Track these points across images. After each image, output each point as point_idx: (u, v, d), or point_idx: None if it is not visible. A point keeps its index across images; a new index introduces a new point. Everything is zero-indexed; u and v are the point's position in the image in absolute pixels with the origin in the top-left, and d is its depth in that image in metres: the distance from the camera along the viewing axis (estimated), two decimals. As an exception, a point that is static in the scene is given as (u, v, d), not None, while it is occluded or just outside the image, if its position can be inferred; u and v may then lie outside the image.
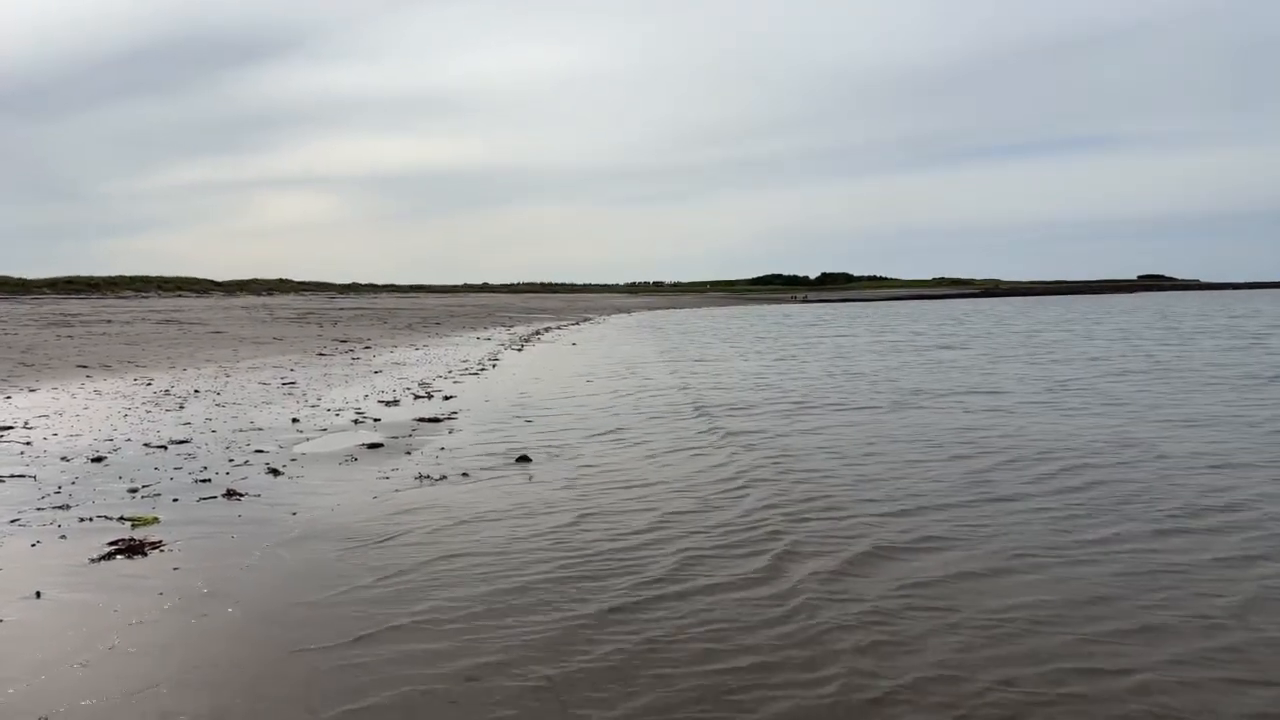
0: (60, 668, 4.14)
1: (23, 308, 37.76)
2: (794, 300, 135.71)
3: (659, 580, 5.28)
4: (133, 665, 4.18)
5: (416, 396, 14.43)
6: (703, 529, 6.37)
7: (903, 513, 6.72)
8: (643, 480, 8.07)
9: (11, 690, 3.91)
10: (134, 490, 7.66)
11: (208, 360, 21.44)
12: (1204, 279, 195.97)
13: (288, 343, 28.17)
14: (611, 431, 10.98)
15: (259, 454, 9.36)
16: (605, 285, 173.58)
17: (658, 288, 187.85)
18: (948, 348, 25.82)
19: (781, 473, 8.20)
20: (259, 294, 69.26)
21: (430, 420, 11.81)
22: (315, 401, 13.69)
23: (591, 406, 13.44)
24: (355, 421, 11.71)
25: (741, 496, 7.34)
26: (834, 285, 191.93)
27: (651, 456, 9.25)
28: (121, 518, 6.72)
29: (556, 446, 9.91)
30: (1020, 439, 9.79)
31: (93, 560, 5.71)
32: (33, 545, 6.05)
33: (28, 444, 9.80)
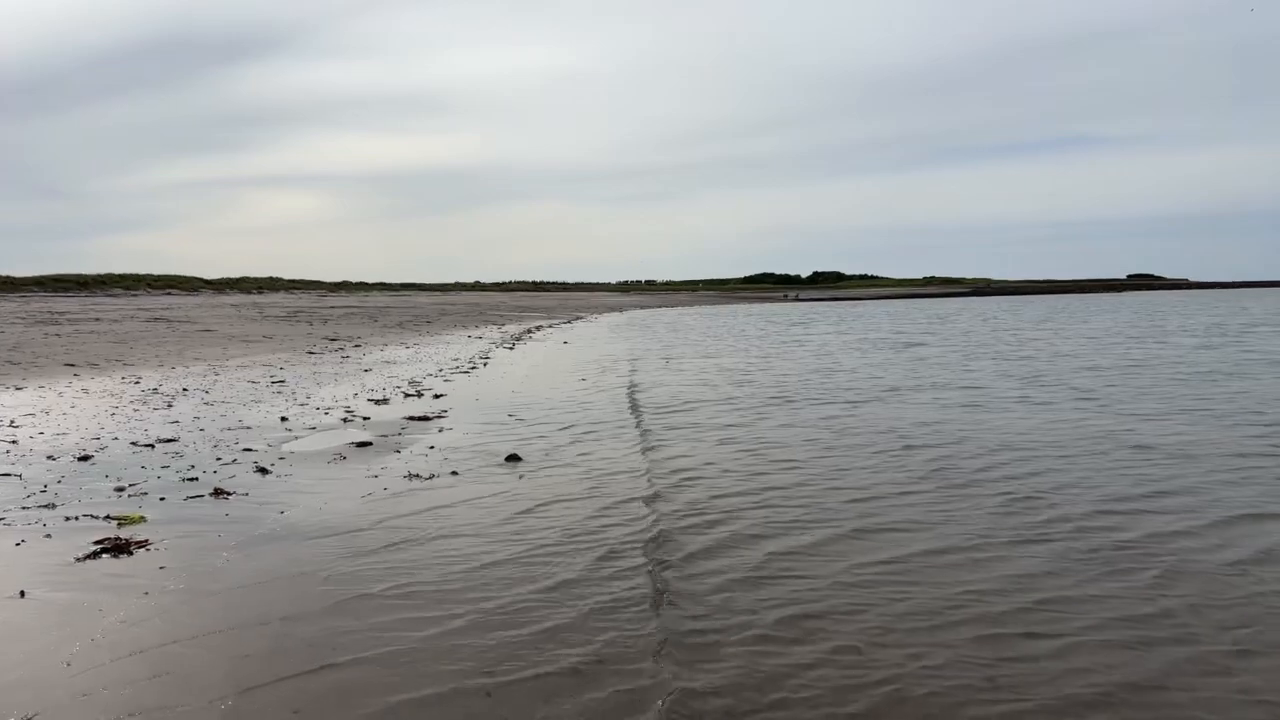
0: (44, 667, 4.11)
1: (10, 305, 37.50)
2: (784, 299, 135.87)
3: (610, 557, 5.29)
4: (118, 664, 4.15)
5: (406, 395, 14.39)
6: (667, 513, 6.39)
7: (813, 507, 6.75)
8: (632, 472, 8.07)
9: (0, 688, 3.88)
10: (121, 489, 7.62)
11: (197, 358, 21.33)
12: (1193, 278, 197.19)
13: (277, 341, 28.06)
14: (601, 429, 10.97)
15: (247, 453, 9.31)
16: (597, 284, 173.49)
17: (650, 286, 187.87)
18: (919, 344, 26.16)
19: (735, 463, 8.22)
20: (249, 292, 68.96)
21: (420, 419, 11.78)
22: (304, 400, 13.64)
23: (583, 405, 13.43)
24: (345, 420, 11.67)
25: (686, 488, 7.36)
26: (825, 284, 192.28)
27: (646, 451, 9.24)
28: (108, 516, 6.68)
29: (547, 445, 9.89)
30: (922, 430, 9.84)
31: (78, 559, 5.67)
32: (17, 544, 6.01)
33: (13, 443, 9.73)
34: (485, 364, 21.19)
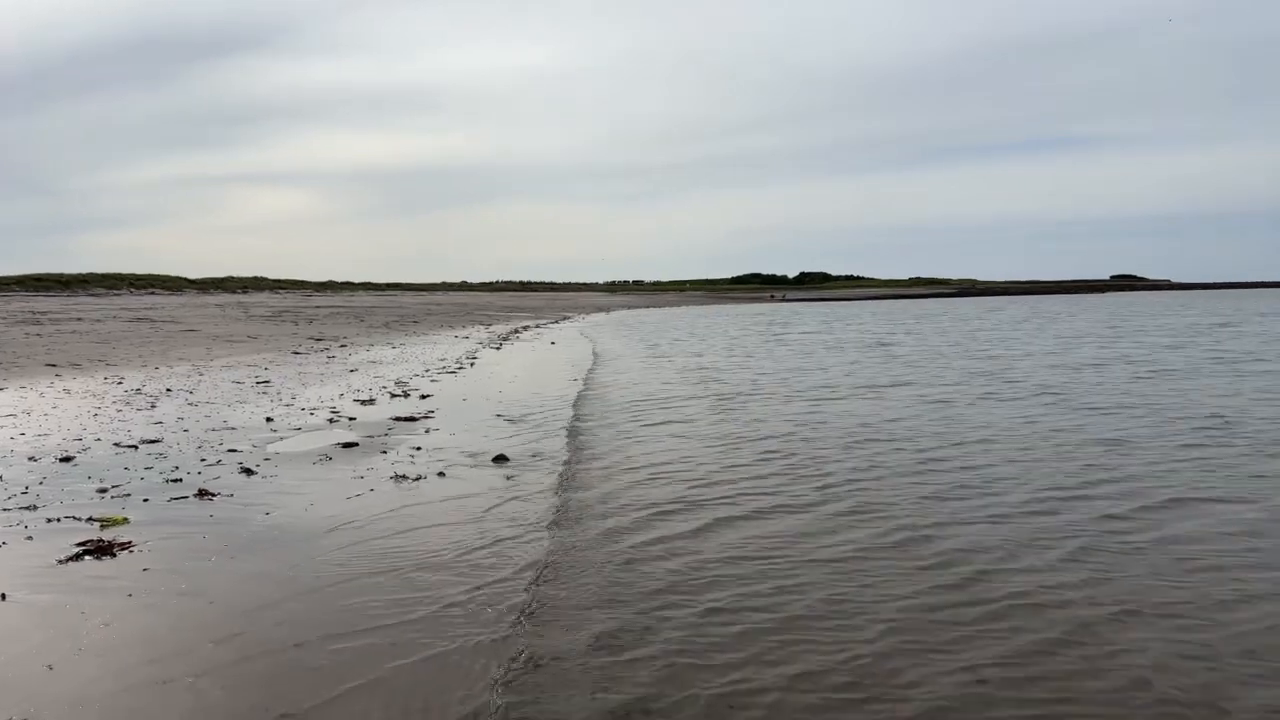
0: (27, 669, 4.07)
1: (-10, 305, 37.05)
2: (770, 299, 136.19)
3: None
4: (102, 667, 4.12)
5: (393, 395, 14.33)
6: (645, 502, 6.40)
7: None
8: (622, 468, 8.07)
9: (-25, 694, 3.84)
10: (103, 490, 7.55)
11: (180, 359, 21.17)
12: (1176, 279, 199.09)
13: (262, 341, 27.88)
14: (594, 428, 10.97)
15: (232, 453, 9.25)
16: (585, 284, 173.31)
17: (637, 286, 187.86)
18: (887, 344, 26.37)
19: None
20: (234, 292, 68.46)
21: (407, 419, 11.73)
22: (290, 400, 13.56)
23: (570, 405, 13.41)
24: (330, 420, 11.61)
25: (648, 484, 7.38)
26: (812, 285, 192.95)
27: (641, 445, 9.25)
28: (90, 518, 6.62)
29: (534, 446, 9.88)
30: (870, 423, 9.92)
31: (60, 561, 5.61)
32: (-2, 546, 5.94)
33: (-6, 444, 9.62)
34: (472, 364, 21.13)
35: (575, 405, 13.41)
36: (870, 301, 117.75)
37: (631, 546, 5.97)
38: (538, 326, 46.92)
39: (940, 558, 5.62)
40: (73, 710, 3.72)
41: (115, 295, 54.46)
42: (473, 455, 9.24)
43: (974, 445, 9.47)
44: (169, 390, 14.75)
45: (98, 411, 12.16)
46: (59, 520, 6.57)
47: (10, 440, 9.84)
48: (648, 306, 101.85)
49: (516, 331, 40.13)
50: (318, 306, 52.28)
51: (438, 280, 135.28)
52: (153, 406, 12.73)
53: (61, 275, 60.78)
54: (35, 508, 6.94)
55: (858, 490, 7.46)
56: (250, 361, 20.86)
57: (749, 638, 4.45)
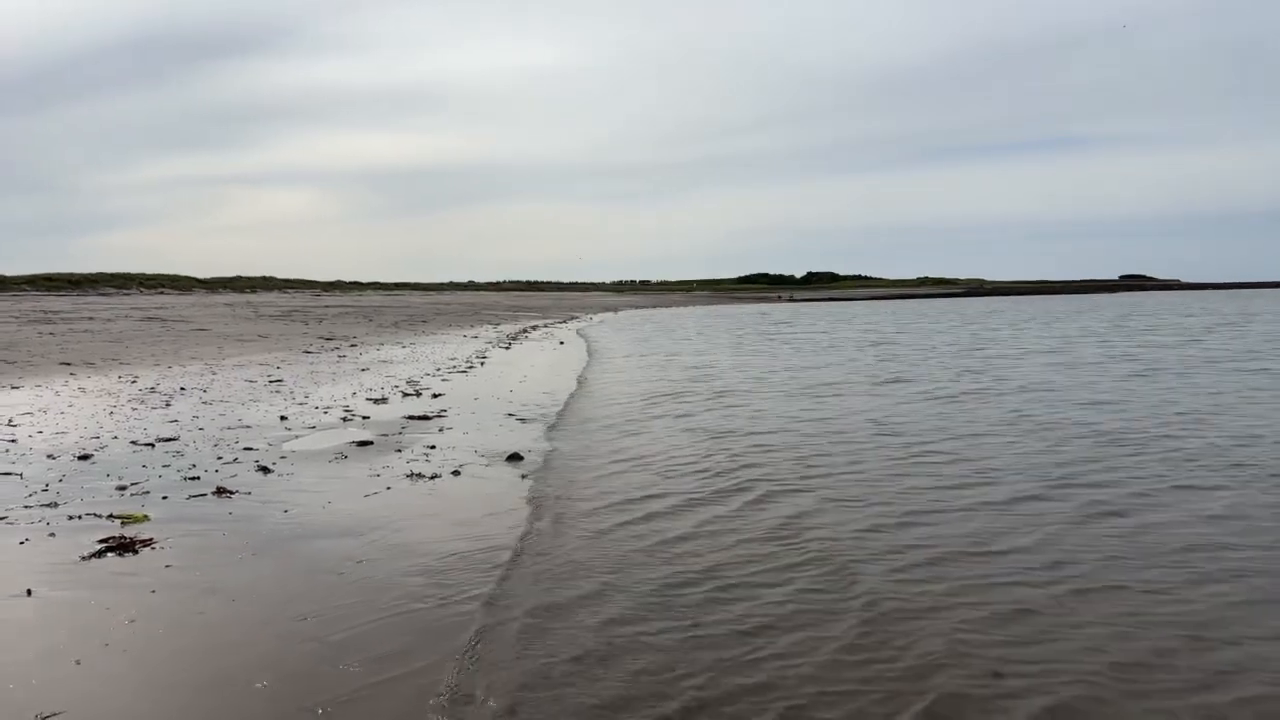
0: (55, 665, 4.11)
1: (2, 304, 37.31)
2: (778, 299, 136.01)
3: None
4: (129, 663, 4.15)
5: (405, 394, 14.38)
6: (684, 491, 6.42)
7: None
8: (632, 468, 8.08)
9: (11, 686, 3.88)
10: (123, 488, 7.60)
11: (193, 358, 21.26)
12: (1185, 279, 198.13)
13: (273, 340, 27.99)
14: (605, 427, 10.99)
15: (248, 452, 9.30)
16: (591, 284, 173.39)
17: (644, 286, 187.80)
18: (890, 343, 26.52)
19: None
20: (242, 291, 68.76)
21: (420, 418, 11.77)
22: (303, 399, 13.61)
23: (583, 404, 13.44)
24: (344, 419, 11.66)
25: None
26: (819, 284, 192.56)
27: (653, 443, 9.27)
28: (111, 515, 6.66)
29: (548, 445, 9.90)
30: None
31: (83, 558, 5.66)
32: (21, 543, 5.99)
33: (12, 441, 9.69)
34: (482, 364, 21.17)
35: (587, 405, 13.43)
36: (878, 301, 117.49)
37: (653, 544, 5.98)
38: (546, 326, 46.96)
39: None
40: (103, 705, 3.76)
41: (125, 295, 54.76)
42: (486, 454, 9.27)
43: (960, 440, 9.46)
44: (183, 389, 14.82)
45: (113, 410, 12.23)
46: (80, 517, 6.62)
47: (29, 438, 9.91)
48: (654, 306, 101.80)
49: (525, 331, 40.17)
50: (326, 306, 52.45)
51: (444, 280, 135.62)
52: (167, 405, 12.80)
53: (72, 275, 61.16)
54: (56, 505, 6.99)
55: (844, 478, 7.47)
56: (262, 360, 20.94)
57: (717, 604, 4.47)
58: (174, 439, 9.99)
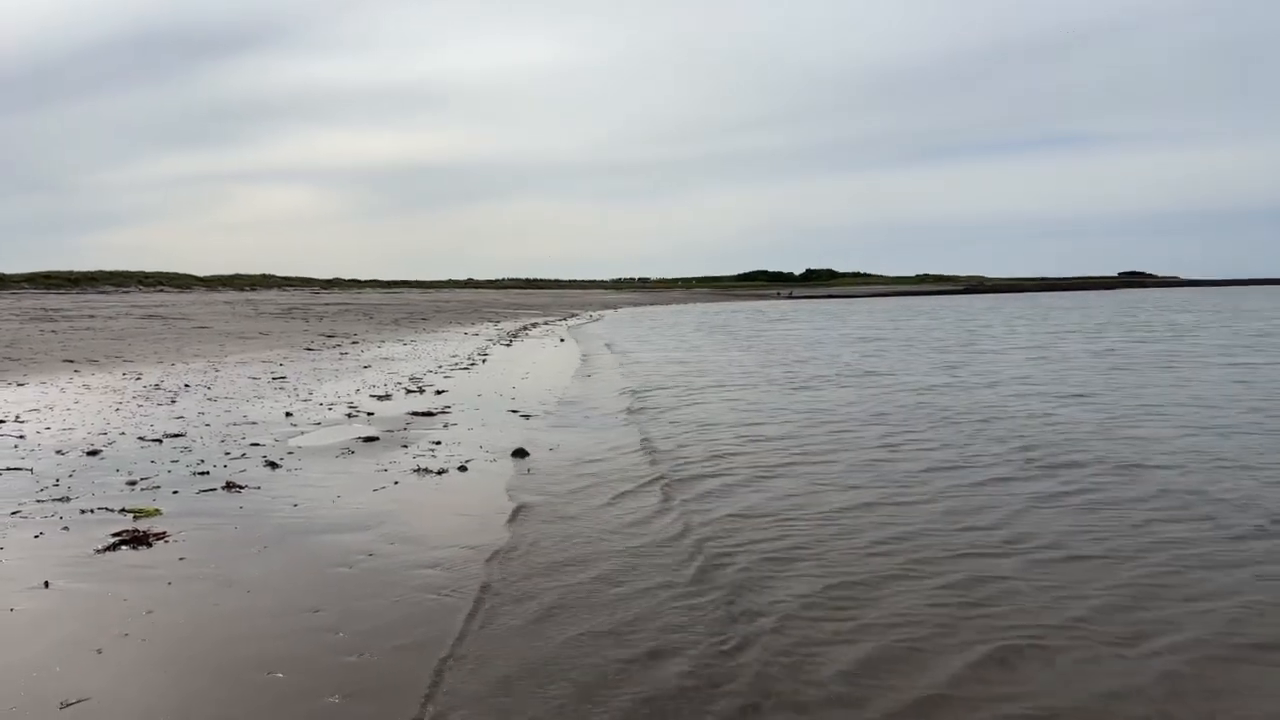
0: (77, 655, 4.19)
1: (2, 303, 37.35)
2: (778, 297, 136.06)
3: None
4: (149, 652, 4.23)
5: (408, 391, 14.46)
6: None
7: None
8: (635, 469, 8.17)
9: (35, 674, 3.96)
10: (133, 483, 7.68)
11: (195, 355, 21.33)
12: (1184, 276, 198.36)
13: (274, 338, 28.05)
14: (604, 424, 11.07)
15: (255, 447, 9.38)
16: (591, 281, 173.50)
17: (644, 284, 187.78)
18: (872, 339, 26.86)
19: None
20: (242, 289, 68.73)
21: (424, 414, 11.85)
22: (307, 396, 13.69)
23: (585, 400, 13.52)
24: (348, 415, 11.74)
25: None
26: (818, 281, 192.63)
27: (648, 435, 9.35)
28: (123, 509, 6.74)
29: (552, 439, 9.99)
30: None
31: (98, 551, 5.74)
32: (35, 536, 6.07)
33: (21, 437, 9.77)
34: (484, 360, 21.25)
35: (588, 401, 13.51)
36: (877, 299, 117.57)
37: (659, 539, 6.07)
38: (546, 323, 47.02)
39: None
40: (126, 692, 3.84)
41: (125, 293, 54.76)
42: (492, 450, 9.35)
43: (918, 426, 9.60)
44: (187, 386, 14.90)
45: (119, 406, 12.30)
46: (92, 511, 6.70)
47: (37, 434, 9.98)
48: (653, 304, 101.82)
49: (525, 329, 40.24)
50: (326, 303, 52.48)
51: (444, 277, 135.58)
52: (173, 401, 12.87)
53: (71, 273, 61.13)
54: (68, 499, 7.07)
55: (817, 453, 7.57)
56: (264, 358, 21.02)
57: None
58: (181, 435, 10.07)
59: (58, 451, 9.01)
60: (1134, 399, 12.64)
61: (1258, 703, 3.73)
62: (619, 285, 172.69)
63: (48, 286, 54.06)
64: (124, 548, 5.82)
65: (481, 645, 4.36)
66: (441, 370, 18.36)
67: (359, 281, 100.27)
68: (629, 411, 12.31)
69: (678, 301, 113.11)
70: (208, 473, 8.10)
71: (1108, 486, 7.27)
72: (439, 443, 9.74)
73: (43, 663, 4.09)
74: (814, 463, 8.51)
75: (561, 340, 31.60)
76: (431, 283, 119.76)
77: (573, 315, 62.21)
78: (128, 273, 66.68)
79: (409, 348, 25.74)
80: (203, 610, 4.77)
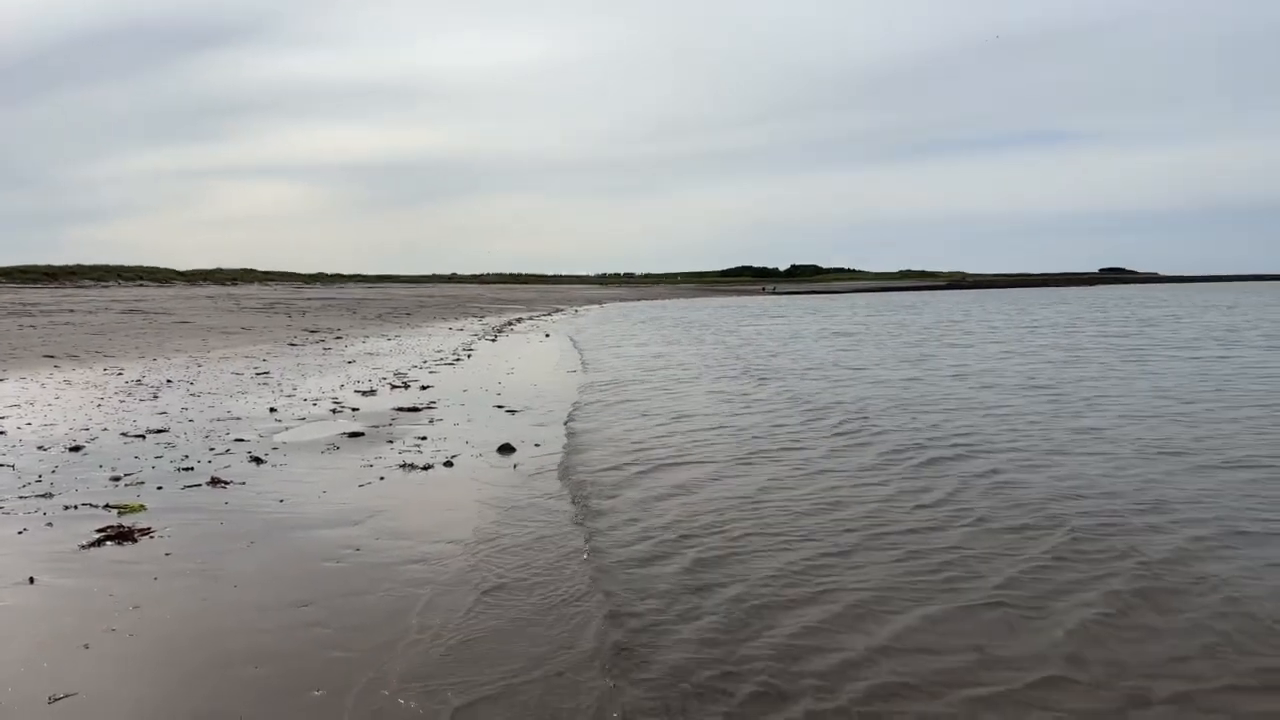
0: (64, 650, 4.19)
1: (-20, 297, 36.83)
2: (763, 292, 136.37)
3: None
4: (137, 647, 4.25)
5: (393, 386, 14.43)
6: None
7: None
8: (617, 466, 8.22)
9: (23, 669, 3.97)
10: (116, 479, 7.65)
11: (177, 350, 21.18)
12: (1163, 272, 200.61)
13: (257, 333, 27.87)
14: (589, 417, 11.11)
15: (239, 443, 9.35)
16: (576, 276, 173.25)
17: (629, 279, 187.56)
18: (849, 334, 27.44)
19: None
20: (223, 284, 68.14)
21: (409, 410, 11.84)
22: (291, 391, 13.64)
23: (573, 398, 13.55)
24: (333, 411, 11.71)
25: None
26: (803, 277, 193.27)
27: (631, 430, 9.40)
28: (107, 505, 6.72)
29: (537, 434, 10.02)
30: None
31: (82, 547, 5.73)
32: (19, 532, 6.05)
33: (1, 433, 9.69)
34: (469, 356, 21.22)
35: (573, 396, 13.54)
36: (858, 294, 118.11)
37: (654, 538, 6.13)
38: (531, 319, 46.94)
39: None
40: (114, 687, 3.85)
41: (104, 287, 54.14)
42: (478, 445, 9.37)
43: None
44: (169, 381, 14.80)
45: (101, 402, 12.22)
46: (76, 507, 6.67)
47: (18, 430, 9.91)
48: (639, 299, 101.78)
49: (510, 324, 40.16)
50: (309, 298, 52.14)
51: (427, 272, 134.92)
52: (155, 397, 12.80)
53: (49, 267, 60.39)
54: (51, 495, 7.04)
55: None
56: (247, 353, 20.90)
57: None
58: (164, 430, 10.03)
59: (40, 447, 8.95)
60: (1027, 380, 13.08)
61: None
62: (605, 281, 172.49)
63: (25, 281, 53.36)
64: (109, 543, 5.82)
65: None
66: (426, 365, 18.32)
67: (342, 276, 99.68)
68: (607, 405, 12.35)
69: (663, 297, 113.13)
70: (192, 468, 8.08)
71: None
72: (425, 438, 9.75)
73: (30, 658, 4.10)
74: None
75: (547, 335, 31.58)
76: (415, 277, 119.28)
77: (558, 310, 62.12)
78: (107, 267, 65.95)
79: (393, 343, 25.66)
80: (190, 605, 4.78)
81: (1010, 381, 14.55)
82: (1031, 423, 10.33)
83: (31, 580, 5.12)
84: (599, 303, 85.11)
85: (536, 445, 9.40)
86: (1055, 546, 5.62)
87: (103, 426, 10.21)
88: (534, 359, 21.03)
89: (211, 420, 10.79)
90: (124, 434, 9.76)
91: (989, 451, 8.67)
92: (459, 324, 38.53)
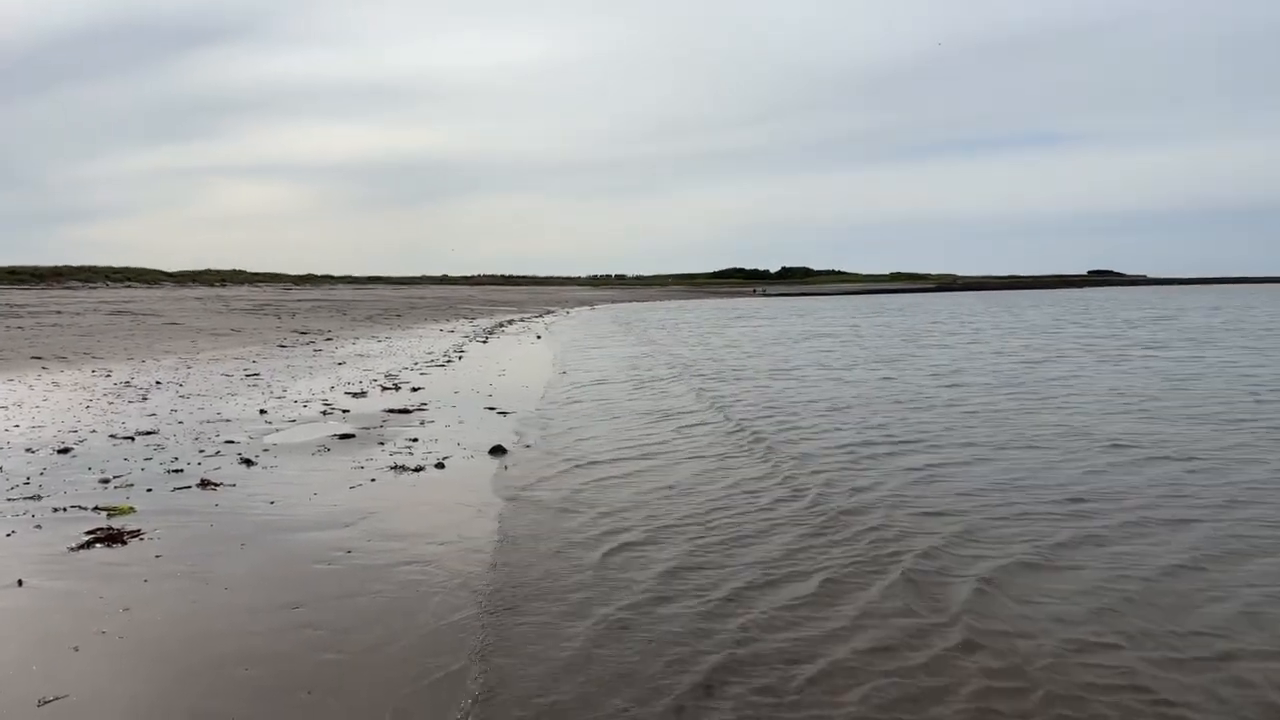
0: (53, 653, 4.18)
1: (-34, 298, 36.54)
2: (753, 294, 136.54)
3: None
4: (127, 650, 4.24)
5: (384, 388, 14.40)
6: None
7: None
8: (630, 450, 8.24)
9: (12, 672, 3.95)
10: (106, 481, 7.61)
11: (166, 351, 21.08)
12: (1152, 274, 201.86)
13: (246, 334, 27.76)
14: (581, 419, 11.11)
15: (229, 444, 9.32)
16: (567, 278, 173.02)
17: (620, 280, 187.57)
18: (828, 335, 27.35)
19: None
20: (212, 285, 67.80)
21: (400, 411, 11.82)
22: (281, 393, 13.60)
23: (564, 399, 13.55)
24: (324, 413, 11.68)
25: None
26: (793, 279, 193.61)
27: (621, 430, 9.42)
28: (96, 508, 6.69)
29: (529, 436, 10.02)
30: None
31: (72, 549, 5.70)
32: (8, 535, 6.02)
33: (-11, 435, 9.63)
34: (460, 358, 21.19)
35: (564, 397, 13.55)
36: (848, 296, 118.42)
37: (630, 552, 6.14)
38: (523, 320, 46.88)
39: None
40: (105, 689, 3.84)
41: (92, 288, 53.81)
42: (469, 447, 9.37)
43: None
44: (159, 383, 14.73)
45: (89, 404, 12.15)
46: (65, 510, 6.64)
47: (5, 432, 9.85)
48: (630, 301, 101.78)
49: (501, 326, 40.10)
50: (299, 300, 51.93)
51: (418, 274, 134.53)
52: (144, 399, 12.73)
53: (36, 268, 60.00)
54: (40, 498, 7.01)
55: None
56: (236, 355, 20.81)
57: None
58: (153, 432, 9.98)
59: (28, 449, 8.90)
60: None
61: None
62: (596, 282, 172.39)
63: (12, 282, 52.98)
64: (99, 546, 5.80)
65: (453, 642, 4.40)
66: (417, 367, 18.29)
67: (332, 277, 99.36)
68: (600, 406, 12.36)
69: (653, 299, 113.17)
70: (182, 470, 8.05)
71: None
72: (416, 440, 9.73)
73: (19, 661, 4.08)
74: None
75: (538, 337, 31.55)
76: (405, 279, 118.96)
77: (549, 312, 62.06)
78: (94, 267, 65.55)
79: (384, 345, 25.59)
80: (180, 607, 4.77)
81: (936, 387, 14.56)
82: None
83: (20, 583, 5.09)
84: (590, 304, 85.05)
85: (528, 446, 9.40)
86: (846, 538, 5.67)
87: (91, 428, 10.16)
88: (526, 360, 21.01)
89: (201, 422, 10.75)
90: (113, 436, 9.71)
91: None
92: (449, 326, 38.46)
